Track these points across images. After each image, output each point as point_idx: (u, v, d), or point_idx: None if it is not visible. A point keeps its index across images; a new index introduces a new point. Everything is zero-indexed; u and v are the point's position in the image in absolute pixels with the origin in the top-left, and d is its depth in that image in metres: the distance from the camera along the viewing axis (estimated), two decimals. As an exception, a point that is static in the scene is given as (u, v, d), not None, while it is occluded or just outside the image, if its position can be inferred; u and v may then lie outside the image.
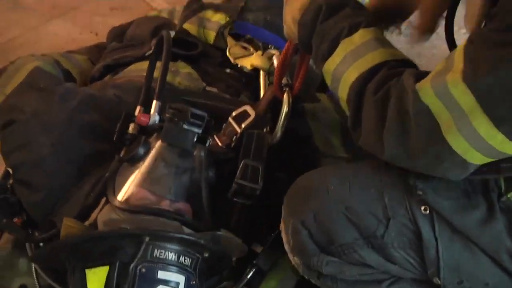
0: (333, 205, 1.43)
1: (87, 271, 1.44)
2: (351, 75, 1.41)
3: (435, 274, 1.40)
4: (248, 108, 1.79)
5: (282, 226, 1.52)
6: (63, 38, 2.67)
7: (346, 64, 1.44)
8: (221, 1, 2.49)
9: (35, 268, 1.67)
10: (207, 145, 1.66)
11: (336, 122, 2.05)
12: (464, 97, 1.21)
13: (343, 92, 1.42)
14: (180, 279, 1.43)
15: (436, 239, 1.39)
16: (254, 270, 1.68)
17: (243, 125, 1.73)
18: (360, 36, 1.43)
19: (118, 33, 2.27)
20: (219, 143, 1.75)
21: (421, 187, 1.36)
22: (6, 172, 1.81)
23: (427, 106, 1.25)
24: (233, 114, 1.78)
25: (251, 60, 1.99)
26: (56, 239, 1.59)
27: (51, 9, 2.83)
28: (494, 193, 1.37)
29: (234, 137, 1.75)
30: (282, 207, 1.53)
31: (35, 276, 1.69)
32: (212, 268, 1.57)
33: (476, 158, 1.25)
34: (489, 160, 1.27)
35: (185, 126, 1.57)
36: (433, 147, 1.26)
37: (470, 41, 1.23)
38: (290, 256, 1.52)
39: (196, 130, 1.58)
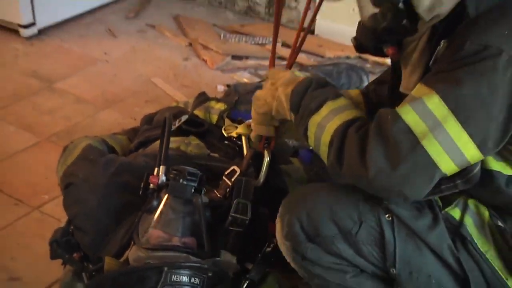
0: (322, 207, 1.66)
1: None
2: (335, 123, 1.63)
3: (392, 265, 1.64)
4: (235, 167, 2.09)
5: (278, 220, 1.73)
6: (111, 123, 2.99)
7: (331, 116, 1.66)
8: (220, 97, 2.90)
9: None
10: (202, 193, 1.94)
11: (304, 178, 2.38)
12: (438, 108, 1.46)
13: (326, 137, 1.64)
14: None
15: (394, 239, 1.63)
16: (247, 282, 1.98)
17: (232, 179, 2.03)
18: (342, 101, 1.69)
19: (148, 119, 2.57)
20: (218, 195, 2.05)
21: (386, 203, 1.60)
22: (68, 220, 2.12)
23: (405, 122, 1.47)
24: (225, 173, 2.08)
25: (237, 130, 2.26)
26: (102, 271, 1.90)
27: (103, 102, 3.15)
28: (437, 207, 1.65)
29: (228, 189, 2.04)
30: (280, 207, 1.74)
31: None
32: (216, 284, 1.88)
33: (446, 165, 1.47)
34: (454, 169, 1.48)
35: (184, 182, 1.88)
36: (412, 154, 1.46)
37: (428, 77, 1.55)
38: (282, 241, 1.72)
39: (192, 184, 1.89)
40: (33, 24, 3.63)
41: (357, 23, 1.77)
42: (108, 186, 2.05)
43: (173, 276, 1.75)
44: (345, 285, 1.71)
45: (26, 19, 3.59)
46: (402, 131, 1.45)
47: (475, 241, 1.65)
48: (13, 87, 3.22)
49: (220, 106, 2.62)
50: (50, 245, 2.02)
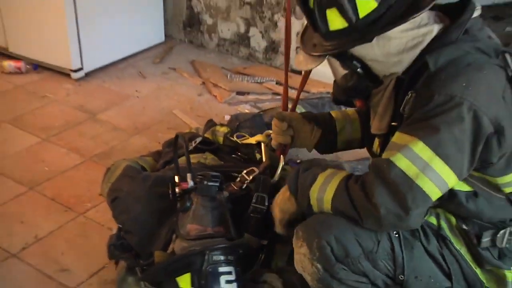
0: (347, 231, 1.60)
1: (177, 279, 1.81)
2: (334, 183, 1.65)
3: (401, 273, 1.63)
4: (253, 168, 2.14)
5: (302, 244, 1.65)
6: (140, 146, 3.00)
7: (328, 180, 1.67)
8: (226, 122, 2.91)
9: (143, 283, 1.96)
10: (223, 191, 1.99)
11: None
12: (423, 151, 1.47)
13: (328, 195, 1.64)
14: (231, 269, 1.82)
15: (402, 251, 1.63)
16: (264, 254, 2.03)
17: (251, 176, 2.07)
18: (330, 170, 1.72)
19: (169, 143, 2.48)
20: (235, 187, 2.07)
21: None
22: (119, 227, 2.12)
23: (399, 168, 1.48)
24: (244, 171, 2.11)
25: (255, 138, 2.32)
26: (153, 263, 1.92)
27: (134, 130, 3.17)
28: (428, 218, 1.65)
29: (246, 181, 2.06)
30: (299, 231, 1.68)
31: (141, 284, 1.97)
32: (245, 258, 1.92)
33: (436, 195, 1.49)
34: (439, 195, 1.51)
35: (209, 183, 1.93)
36: (409, 192, 1.46)
37: (407, 126, 1.54)
38: (311, 264, 1.64)
39: (215, 184, 1.94)
40: (81, 69, 3.65)
41: (333, 82, 1.81)
42: (148, 195, 2.07)
43: (213, 256, 1.79)
44: None
45: (75, 65, 3.61)
46: (399, 176, 1.47)
47: (452, 240, 1.68)
48: (65, 118, 3.26)
49: (224, 130, 2.61)
50: (108, 248, 2.07)
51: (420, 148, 1.47)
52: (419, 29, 1.56)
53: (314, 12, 1.56)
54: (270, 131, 2.20)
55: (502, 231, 1.65)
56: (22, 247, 2.30)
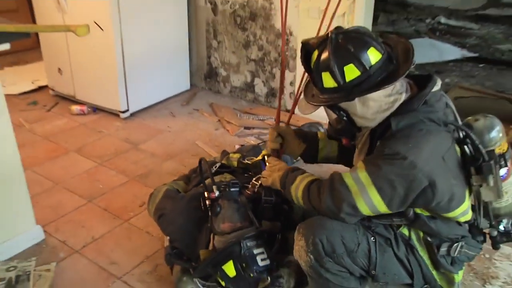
0: (336, 233, 1.61)
1: (223, 267, 1.81)
2: (302, 185, 1.71)
3: (373, 269, 1.65)
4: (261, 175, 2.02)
5: (301, 238, 1.66)
6: (171, 169, 2.98)
7: (301, 182, 1.72)
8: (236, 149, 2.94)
9: (197, 280, 1.95)
10: (242, 194, 2.00)
11: None
12: (365, 178, 1.53)
13: (300, 193, 1.71)
14: (262, 250, 1.83)
15: (376, 253, 1.64)
16: (280, 235, 1.98)
17: (259, 181, 2.02)
18: (305, 175, 1.76)
19: (194, 170, 2.50)
20: (249, 192, 2.04)
21: (396, 207, 1.55)
22: (169, 239, 2.12)
23: (346, 183, 1.55)
24: (254, 179, 2.08)
25: (261, 155, 2.17)
26: (200, 262, 1.91)
27: (166, 156, 3.15)
28: (394, 229, 1.67)
29: (256, 186, 2.04)
30: (300, 228, 1.68)
31: (197, 283, 1.95)
32: (271, 240, 1.93)
33: (365, 211, 1.55)
34: (370, 214, 1.57)
35: (232, 189, 1.98)
36: (345, 200, 1.55)
37: (365, 159, 1.60)
38: (306, 254, 1.65)
39: (236, 189, 1.99)
40: (127, 110, 3.70)
41: (328, 122, 1.84)
42: (186, 210, 2.08)
43: (247, 243, 1.81)
44: (341, 284, 1.68)
45: (123, 107, 3.66)
46: (343, 187, 1.56)
47: (418, 249, 1.69)
48: (115, 148, 3.29)
49: (237, 156, 2.58)
50: (165, 257, 2.04)
51: (364, 175, 1.54)
52: (390, 97, 1.57)
53: (313, 71, 1.60)
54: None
55: (455, 244, 1.67)
56: (82, 245, 2.33)
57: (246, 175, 2.39)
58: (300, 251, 1.67)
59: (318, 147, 2.11)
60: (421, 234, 1.70)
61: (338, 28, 1.59)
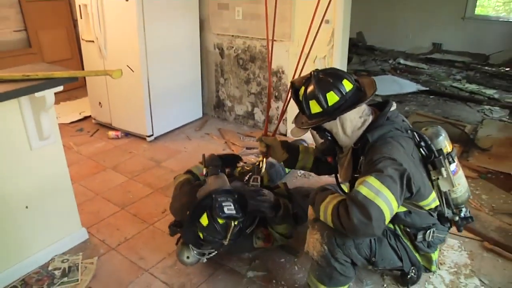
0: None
1: (200, 220, 1.81)
2: (332, 204, 1.59)
3: (373, 256, 1.66)
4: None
5: (317, 233, 1.65)
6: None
7: (331, 201, 1.61)
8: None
9: (191, 248, 1.97)
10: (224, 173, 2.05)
11: (285, 195, 2.26)
12: (375, 182, 1.48)
13: (329, 212, 1.58)
14: (230, 203, 1.82)
15: (375, 244, 1.66)
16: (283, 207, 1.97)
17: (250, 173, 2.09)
18: (335, 195, 1.65)
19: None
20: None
21: (401, 200, 1.53)
22: (174, 221, 2.07)
23: (362, 193, 1.47)
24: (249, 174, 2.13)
25: (258, 160, 2.19)
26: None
27: (182, 171, 2.66)
28: (387, 226, 1.68)
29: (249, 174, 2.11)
30: (315, 226, 1.68)
31: (191, 248, 1.97)
32: (242, 203, 1.86)
33: (386, 212, 1.46)
34: (389, 216, 1.48)
35: (213, 167, 2.06)
36: (370, 207, 1.45)
37: (364, 172, 1.54)
38: (321, 245, 1.63)
39: (219, 166, 2.07)
40: (152, 135, 3.69)
41: (315, 146, 1.90)
42: (190, 191, 2.09)
43: (218, 198, 1.82)
44: (343, 273, 1.68)
45: (149, 132, 3.66)
46: (362, 198, 1.47)
47: (402, 238, 1.75)
48: (142, 165, 3.28)
49: (239, 169, 2.56)
50: (169, 228, 2.05)
51: (372, 180, 1.49)
52: (361, 118, 1.65)
53: (302, 102, 1.66)
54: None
55: (428, 231, 1.74)
56: (117, 244, 2.35)
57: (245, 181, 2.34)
58: (314, 243, 1.67)
59: (298, 158, 2.14)
60: (402, 226, 1.75)
61: (317, 69, 1.69)
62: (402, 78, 5.52)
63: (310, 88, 1.62)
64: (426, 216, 1.72)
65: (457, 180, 1.72)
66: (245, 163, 3.02)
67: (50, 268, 2.14)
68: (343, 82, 1.60)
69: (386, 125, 1.62)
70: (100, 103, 3.87)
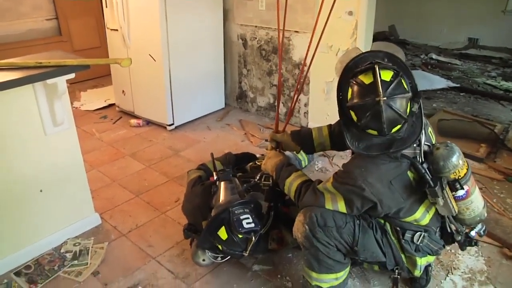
0: (328, 212, 1.62)
1: (218, 233, 1.81)
2: (297, 182, 1.75)
3: (356, 245, 1.65)
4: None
5: (301, 214, 1.66)
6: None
7: (295, 179, 1.76)
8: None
9: (206, 250, 1.96)
10: (236, 177, 2.03)
11: None
12: (333, 189, 1.60)
13: (293, 188, 1.74)
14: (248, 215, 1.80)
15: (359, 233, 1.65)
16: (273, 212, 1.99)
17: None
18: (299, 172, 1.80)
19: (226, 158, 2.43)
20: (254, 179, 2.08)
21: (356, 212, 1.60)
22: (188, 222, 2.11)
23: (321, 191, 1.62)
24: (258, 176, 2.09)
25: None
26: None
27: (199, 161, 2.80)
28: (372, 219, 1.69)
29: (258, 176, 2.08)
30: (301, 210, 1.68)
31: (206, 253, 1.96)
32: (257, 210, 1.90)
33: (330, 208, 1.60)
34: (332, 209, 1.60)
35: (226, 171, 2.03)
36: (319, 203, 1.61)
37: (334, 174, 1.64)
38: (303, 225, 1.64)
39: (229, 172, 2.02)
40: (172, 124, 3.71)
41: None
42: (202, 193, 2.06)
43: (235, 210, 1.81)
44: (328, 255, 1.67)
45: (170, 121, 3.68)
46: (320, 193, 1.63)
47: (390, 234, 1.71)
48: (160, 154, 3.30)
49: (252, 163, 2.48)
50: (183, 231, 2.06)
51: (331, 186, 1.61)
52: None
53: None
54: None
55: (416, 234, 1.68)
56: (128, 230, 2.38)
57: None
58: (298, 225, 1.67)
59: (314, 145, 2.11)
60: (392, 224, 1.72)
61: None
62: (433, 74, 5.34)
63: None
64: (414, 225, 1.68)
65: (465, 204, 1.59)
66: (262, 155, 3.03)
67: (62, 250, 2.20)
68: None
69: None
70: (123, 91, 3.92)
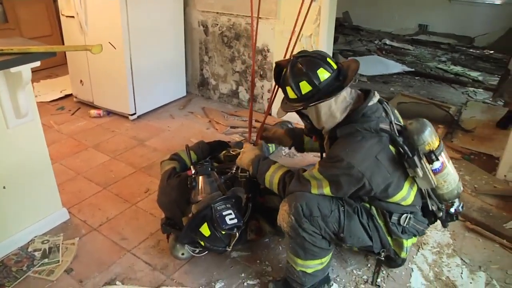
0: (314, 201, 1.62)
1: (200, 229, 1.78)
2: (278, 174, 1.77)
3: (342, 232, 1.66)
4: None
5: (286, 204, 1.66)
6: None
7: (275, 171, 1.79)
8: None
9: (187, 246, 1.95)
10: (214, 170, 1.97)
11: None
12: (319, 175, 1.61)
13: (275, 180, 1.76)
14: (231, 211, 1.78)
15: (344, 220, 1.66)
16: (251, 204, 1.98)
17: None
18: (277, 164, 1.82)
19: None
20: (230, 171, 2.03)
21: (342, 195, 1.62)
22: (165, 213, 2.06)
23: (308, 179, 1.64)
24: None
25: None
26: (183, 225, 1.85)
27: (166, 151, 2.99)
28: (357, 203, 1.70)
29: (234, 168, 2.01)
30: (286, 198, 1.68)
31: (185, 247, 1.95)
32: (238, 205, 1.88)
33: (315, 193, 1.62)
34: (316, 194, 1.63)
35: (204, 165, 1.95)
36: (306, 189, 1.63)
37: (319, 161, 1.67)
38: (288, 215, 1.64)
39: (208, 165, 1.95)
40: (135, 113, 3.62)
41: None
42: (178, 187, 2.01)
43: (218, 207, 1.78)
44: (314, 243, 1.67)
45: (132, 111, 3.59)
46: (306, 181, 1.65)
47: (376, 217, 1.73)
48: (124, 144, 3.24)
49: (224, 152, 2.41)
50: (161, 226, 2.04)
51: (316, 173, 1.64)
52: (342, 104, 1.65)
53: (281, 86, 1.69)
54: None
55: (403, 216, 1.72)
56: (99, 224, 2.32)
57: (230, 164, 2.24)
58: (283, 215, 1.67)
59: (303, 143, 2.20)
60: (378, 207, 1.74)
61: (301, 52, 1.68)
62: (388, 59, 5.52)
63: (286, 75, 1.63)
64: (403, 206, 1.72)
65: (442, 177, 1.65)
66: (229, 142, 3.00)
67: (30, 249, 2.11)
68: (318, 71, 1.57)
69: (359, 122, 1.60)
70: (81, 81, 3.78)
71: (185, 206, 1.95)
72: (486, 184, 2.73)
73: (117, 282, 1.92)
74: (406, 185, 1.67)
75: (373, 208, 1.73)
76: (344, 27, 7.09)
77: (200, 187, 1.93)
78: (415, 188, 1.70)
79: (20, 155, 2.03)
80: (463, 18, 6.51)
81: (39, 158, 2.14)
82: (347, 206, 1.68)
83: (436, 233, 2.28)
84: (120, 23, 3.23)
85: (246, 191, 1.99)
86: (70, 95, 4.05)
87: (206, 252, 1.97)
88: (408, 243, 1.83)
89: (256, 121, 3.43)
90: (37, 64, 1.82)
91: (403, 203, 1.68)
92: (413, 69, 5.16)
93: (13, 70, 1.73)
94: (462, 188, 1.75)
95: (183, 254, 1.98)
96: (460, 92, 4.55)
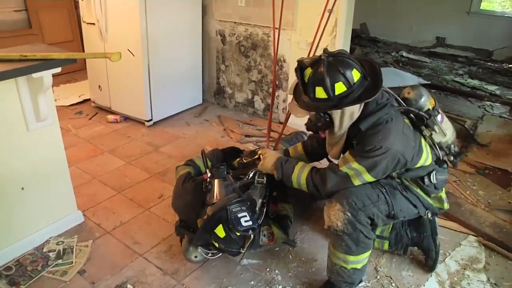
0: (360, 192, 1.70)
1: (215, 231, 1.77)
2: (305, 173, 1.80)
3: (392, 209, 1.74)
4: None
5: (335, 203, 1.69)
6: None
7: (301, 171, 1.82)
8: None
9: (200, 249, 1.94)
10: (230, 174, 1.99)
11: None
12: (359, 167, 1.67)
13: (303, 180, 1.79)
14: (246, 213, 1.77)
15: (390, 199, 1.75)
16: (265, 208, 1.99)
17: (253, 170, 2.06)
18: (300, 163, 1.86)
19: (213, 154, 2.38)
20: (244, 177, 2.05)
21: (382, 176, 1.70)
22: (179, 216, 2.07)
23: (345, 172, 1.69)
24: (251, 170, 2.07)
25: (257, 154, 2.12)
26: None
27: (181, 157, 3.03)
28: (395, 179, 1.80)
29: (251, 174, 2.05)
30: (332, 199, 1.72)
31: (198, 249, 1.94)
32: (252, 208, 1.86)
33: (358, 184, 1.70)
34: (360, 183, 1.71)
35: (220, 169, 1.92)
36: (349, 183, 1.69)
37: (351, 153, 1.70)
38: (343, 213, 1.67)
39: (224, 169, 1.92)
40: (151, 119, 3.67)
41: (308, 118, 1.83)
42: (194, 190, 2.02)
43: (232, 209, 1.76)
44: (367, 235, 1.71)
45: (148, 117, 3.64)
46: (343, 174, 1.70)
47: (411, 187, 1.83)
48: (140, 150, 3.27)
49: (238, 159, 2.40)
50: (175, 229, 2.04)
51: (356, 165, 1.68)
52: (360, 108, 1.70)
53: (307, 85, 1.66)
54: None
55: (432, 174, 1.82)
56: (113, 228, 2.34)
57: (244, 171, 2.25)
58: (337, 214, 1.70)
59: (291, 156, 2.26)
60: (408, 178, 1.84)
61: (325, 50, 1.67)
62: (404, 71, 5.49)
63: (319, 73, 1.61)
64: (424, 168, 1.82)
65: (445, 126, 1.85)
66: (244, 150, 3.01)
67: (45, 249, 2.14)
68: (352, 72, 1.61)
69: (377, 111, 1.69)
70: (99, 86, 3.84)
71: (200, 209, 1.96)
72: (500, 200, 2.69)
73: (128, 285, 1.94)
74: (424, 147, 1.80)
75: (403, 180, 1.82)
76: (361, 39, 7.09)
77: (215, 190, 1.93)
78: (427, 148, 1.83)
79: (39, 158, 2.07)
80: (481, 31, 6.46)
81: (57, 161, 2.18)
82: (387, 186, 1.77)
83: (470, 248, 2.27)
84: (139, 31, 3.29)
85: (261, 196, 2.00)
86: (88, 100, 4.12)
87: (219, 255, 1.95)
88: (443, 194, 1.93)
89: (272, 131, 3.42)
90: (58, 70, 1.87)
91: (426, 163, 1.80)
92: (429, 82, 5.12)
93: (35, 75, 1.78)
94: (455, 131, 1.96)
95: (196, 257, 1.98)
96: (476, 106, 4.50)
